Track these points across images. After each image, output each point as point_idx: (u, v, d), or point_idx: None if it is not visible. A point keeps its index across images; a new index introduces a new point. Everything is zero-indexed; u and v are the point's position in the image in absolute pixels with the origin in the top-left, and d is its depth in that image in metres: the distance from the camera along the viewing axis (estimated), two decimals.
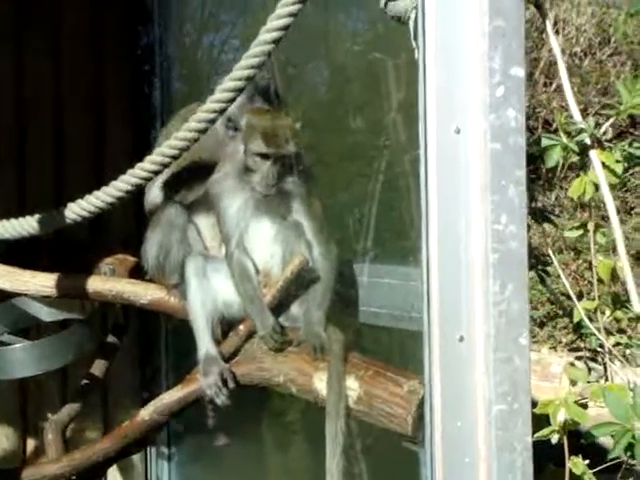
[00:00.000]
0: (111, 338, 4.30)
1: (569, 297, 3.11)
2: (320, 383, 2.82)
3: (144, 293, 3.52)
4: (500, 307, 2.43)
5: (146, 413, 3.13)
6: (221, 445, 4.17)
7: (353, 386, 2.73)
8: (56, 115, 4.90)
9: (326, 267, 3.03)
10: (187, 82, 4.99)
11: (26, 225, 3.12)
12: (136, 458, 4.77)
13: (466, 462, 2.41)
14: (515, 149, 2.44)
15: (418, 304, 2.92)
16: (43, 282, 3.61)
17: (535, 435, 2.45)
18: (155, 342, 4.93)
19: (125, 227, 4.68)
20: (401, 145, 3.27)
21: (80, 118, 4.93)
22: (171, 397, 3.11)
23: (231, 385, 3.02)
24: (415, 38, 2.50)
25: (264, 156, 2.96)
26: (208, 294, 3.12)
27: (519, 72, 2.45)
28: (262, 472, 4.20)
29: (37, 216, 3.10)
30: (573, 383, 2.64)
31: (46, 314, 4.06)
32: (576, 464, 2.49)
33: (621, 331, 3.03)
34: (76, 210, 3.05)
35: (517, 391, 2.44)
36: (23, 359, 3.82)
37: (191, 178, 3.36)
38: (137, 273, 3.79)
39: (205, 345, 3.08)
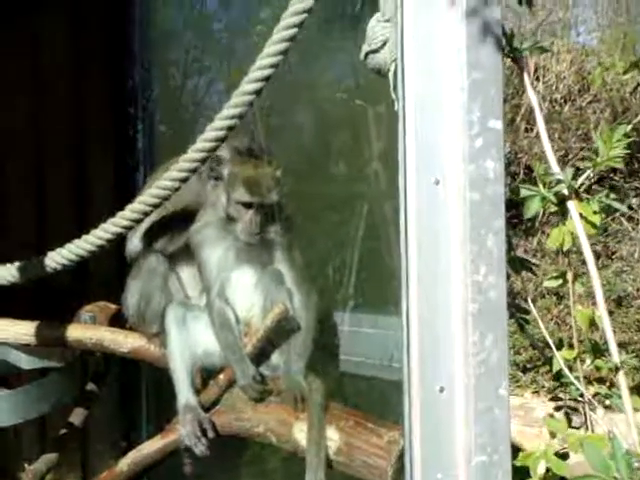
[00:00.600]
0: (91, 386, 4.19)
1: (549, 345, 3.10)
2: (300, 433, 2.81)
3: (124, 341, 3.50)
4: (479, 357, 2.43)
5: (125, 464, 3.10)
6: None
7: (334, 437, 2.72)
8: (37, 158, 4.89)
9: (307, 316, 3.03)
10: (171, 125, 4.99)
11: (6, 273, 3.13)
12: None
13: None
14: (494, 199, 2.46)
15: (398, 354, 2.95)
16: (22, 330, 3.60)
17: None
18: (135, 390, 4.90)
19: (107, 273, 4.58)
20: (382, 193, 3.30)
21: (62, 161, 4.92)
22: (150, 447, 3.08)
23: (210, 435, 2.99)
24: (395, 90, 2.51)
25: (247, 205, 2.98)
26: (188, 343, 3.11)
27: (497, 124, 2.48)
28: None
29: (17, 264, 3.10)
30: (552, 435, 2.63)
31: (25, 362, 3.92)
32: None
33: (601, 380, 3.03)
34: (57, 259, 3.06)
35: (497, 442, 2.44)
36: (1, 408, 3.77)
37: (172, 227, 3.36)
38: (118, 321, 3.76)
39: (184, 395, 3.06)
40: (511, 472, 2.45)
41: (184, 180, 2.83)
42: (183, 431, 3.00)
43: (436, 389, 2.42)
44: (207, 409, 3.08)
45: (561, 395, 3.10)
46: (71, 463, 4.64)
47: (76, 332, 3.58)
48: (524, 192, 2.78)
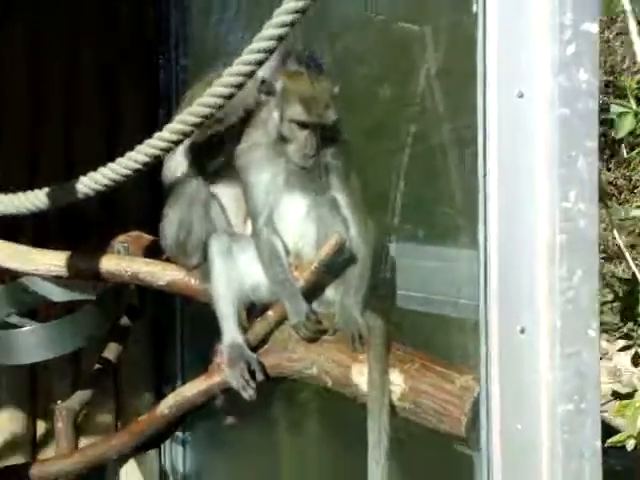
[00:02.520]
0: (125, 320, 4.05)
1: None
2: (360, 377, 2.55)
3: (162, 274, 3.25)
4: (567, 295, 2.17)
5: (165, 407, 2.86)
6: (236, 426, 3.91)
7: (397, 381, 2.46)
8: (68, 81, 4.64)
9: (364, 247, 2.75)
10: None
11: (36, 200, 2.87)
12: None
13: (527, 469, 2.15)
14: (586, 115, 2.17)
15: (467, 289, 2.66)
16: (53, 261, 3.34)
17: (608, 441, 2.19)
18: (170, 325, 4.72)
19: (138, 203, 4.48)
20: (442, 116, 2.98)
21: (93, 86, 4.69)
22: (192, 389, 2.83)
23: (260, 377, 2.74)
24: None
25: (303, 124, 2.66)
26: (234, 276, 2.83)
27: (592, 28, 2.16)
28: (278, 459, 3.93)
29: (47, 190, 2.84)
30: None
31: (57, 294, 3.80)
32: None
33: None
34: (89, 184, 2.79)
35: (585, 389, 2.19)
36: (31, 343, 3.61)
37: (214, 146, 3.06)
38: (152, 252, 3.54)
39: (230, 332, 2.79)
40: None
41: (229, 97, 2.54)
42: (229, 373, 2.75)
43: (517, 330, 2.17)
44: (254, 348, 2.81)
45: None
46: (104, 400, 4.52)
47: (110, 263, 3.32)
48: (616, 108, 2.47)
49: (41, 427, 4.56)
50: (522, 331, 2.15)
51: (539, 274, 2.15)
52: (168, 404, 2.85)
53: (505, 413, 2.17)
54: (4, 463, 4.19)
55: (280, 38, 2.44)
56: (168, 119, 2.74)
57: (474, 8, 2.21)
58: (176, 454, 4.65)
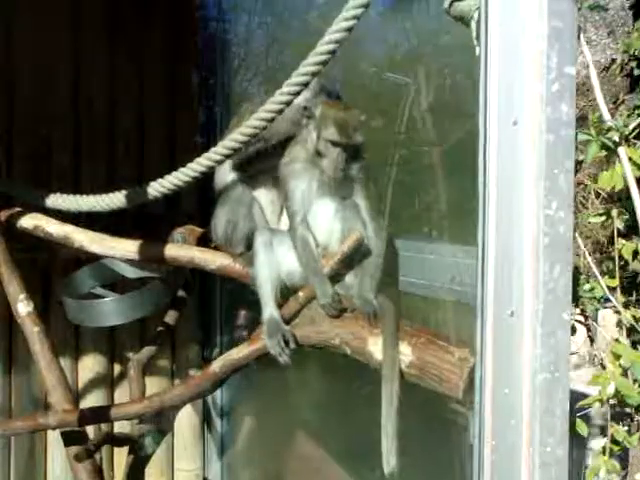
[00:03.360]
0: (181, 293, 4.03)
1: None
2: (373, 346, 2.39)
3: (212, 260, 3.09)
4: (548, 286, 2.01)
5: (217, 366, 2.69)
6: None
7: (406, 352, 2.30)
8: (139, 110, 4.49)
9: (378, 243, 2.59)
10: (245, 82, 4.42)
11: (116, 199, 2.91)
12: None
13: (512, 424, 2.01)
14: (566, 141, 2.02)
15: (459, 277, 2.50)
16: (128, 247, 3.25)
17: (580, 403, 2.05)
18: (212, 298, 4.66)
19: (191, 203, 4.38)
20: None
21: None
22: (239, 353, 2.67)
23: (292, 345, 2.58)
24: (477, 37, 2.02)
25: (336, 144, 2.50)
26: (273, 264, 2.66)
27: (572, 70, 2.01)
28: (298, 396, 3.77)
29: (124, 192, 2.85)
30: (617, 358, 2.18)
31: (130, 272, 3.74)
32: (617, 430, 2.04)
33: None
34: (157, 188, 2.74)
35: (559, 361, 2.04)
36: (113, 310, 3.60)
37: (257, 160, 2.90)
38: (203, 241, 3.41)
39: (269, 309, 2.63)
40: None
41: (270, 120, 2.41)
42: (268, 342, 2.59)
43: (507, 313, 2.01)
44: (287, 322, 2.64)
45: None
46: (164, 353, 4.47)
47: (172, 251, 3.20)
48: (582, 137, 2.30)
49: (117, 373, 4.50)
50: (512, 314, 1.99)
51: (527, 268, 2.00)
52: (219, 364, 2.68)
53: (495, 380, 2.01)
54: (88, 402, 4.08)
55: (314, 74, 2.29)
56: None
57: (477, 51, 2.03)
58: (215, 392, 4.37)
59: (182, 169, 2.69)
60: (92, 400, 4.28)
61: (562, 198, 1.99)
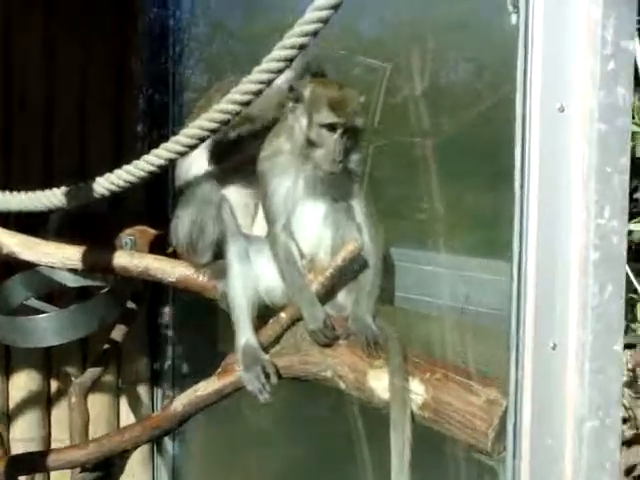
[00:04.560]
0: (131, 304, 3.54)
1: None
2: (376, 382, 2.02)
3: (171, 271, 2.73)
4: (598, 311, 1.69)
5: (179, 404, 2.30)
6: None
7: (418, 390, 1.93)
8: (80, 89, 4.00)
9: (375, 253, 2.23)
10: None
11: (53, 198, 2.39)
12: (144, 396, 4.16)
13: None
14: (622, 132, 1.70)
15: (477, 295, 2.15)
16: (69, 255, 2.86)
17: None
18: (161, 304, 4.14)
19: (139, 200, 3.85)
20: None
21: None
22: (206, 389, 2.27)
23: (274, 380, 2.19)
24: (515, 2, 1.67)
25: (332, 127, 2.12)
26: (250, 279, 2.27)
27: (630, 45, 1.66)
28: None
29: (65, 189, 2.35)
30: None
31: (71, 280, 3.34)
32: None
33: None
34: (105, 185, 2.28)
35: (609, 404, 1.74)
36: (50, 328, 3.17)
37: (228, 153, 2.50)
38: (157, 245, 3.05)
39: (245, 334, 2.24)
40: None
41: (246, 104, 2.00)
42: (244, 376, 2.20)
43: (549, 346, 1.69)
44: (265, 349, 2.25)
45: None
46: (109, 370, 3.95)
47: (122, 259, 2.82)
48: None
49: (55, 398, 3.98)
50: (554, 347, 1.68)
51: (572, 290, 1.68)
52: (182, 402, 2.28)
53: (534, 428, 1.70)
54: (18, 437, 3.63)
55: (301, 47, 1.90)
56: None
57: (512, 20, 1.68)
58: None
59: (136, 162, 2.29)
60: (23, 435, 3.82)
61: (616, 204, 1.68)
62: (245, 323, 2.21)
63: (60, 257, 2.87)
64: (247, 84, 2.05)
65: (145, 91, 4.08)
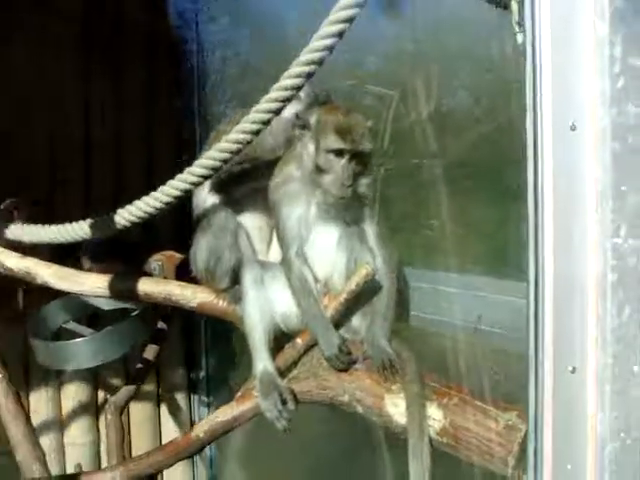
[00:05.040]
0: (161, 325, 3.51)
1: None
2: (393, 408, 1.88)
3: (192, 297, 2.64)
4: (617, 333, 1.53)
5: (200, 431, 2.18)
6: None
7: (436, 415, 1.79)
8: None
9: (389, 277, 2.09)
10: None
11: (80, 230, 2.40)
12: (182, 403, 4.23)
13: None
14: (635, 149, 1.52)
15: (492, 315, 2.01)
16: (98, 283, 2.85)
17: None
18: (196, 327, 4.21)
19: (168, 225, 3.82)
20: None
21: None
22: (225, 415, 2.14)
23: (292, 407, 2.06)
24: (520, 22, 1.55)
25: (339, 152, 2.00)
26: (265, 305, 2.16)
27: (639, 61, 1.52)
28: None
29: (90, 221, 2.35)
30: None
31: (105, 304, 3.30)
32: None
33: None
34: (126, 216, 2.24)
35: (630, 427, 1.56)
36: (86, 351, 3.12)
37: (242, 182, 2.39)
38: (183, 269, 2.96)
39: (262, 360, 2.12)
40: None
41: (256, 133, 1.89)
42: (263, 403, 2.08)
43: (568, 369, 1.54)
44: (282, 373, 2.13)
45: None
46: (147, 393, 4.05)
47: (146, 286, 2.76)
48: None
49: (102, 408, 3.93)
50: (573, 371, 1.52)
51: (590, 312, 1.52)
52: (203, 428, 2.16)
53: (555, 453, 1.54)
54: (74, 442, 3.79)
55: (308, 75, 1.81)
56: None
57: (518, 39, 1.56)
58: (203, 414, 4.17)
59: (154, 193, 2.20)
60: (75, 440, 3.82)
61: (633, 222, 1.53)
62: (261, 349, 2.10)
63: (90, 285, 2.85)
64: (256, 114, 1.96)
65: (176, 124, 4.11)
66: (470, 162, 2.27)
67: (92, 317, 3.55)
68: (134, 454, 3.87)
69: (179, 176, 2.14)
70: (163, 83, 4.06)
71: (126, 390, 3.48)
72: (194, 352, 4.25)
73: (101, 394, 3.97)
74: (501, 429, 1.63)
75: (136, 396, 3.58)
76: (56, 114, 3.74)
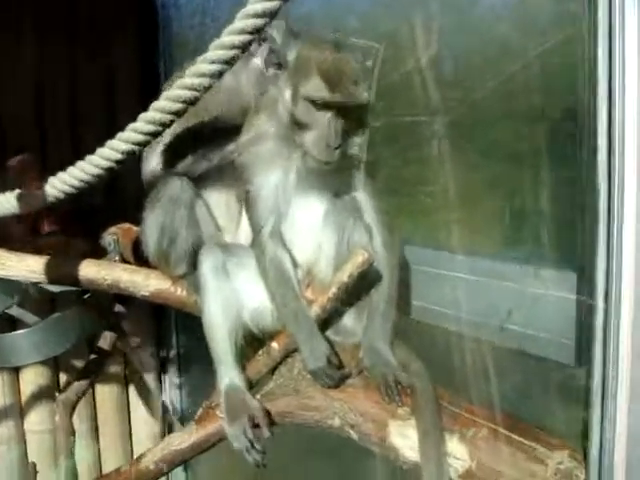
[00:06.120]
0: (118, 307, 3.00)
1: None
2: (400, 439, 1.43)
3: (144, 284, 2.19)
4: None
5: (151, 461, 1.71)
6: None
7: (459, 453, 1.34)
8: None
9: (390, 262, 1.63)
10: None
11: (6, 203, 1.98)
12: (153, 386, 3.88)
13: None
14: None
15: (523, 313, 1.58)
16: (31, 267, 2.38)
17: None
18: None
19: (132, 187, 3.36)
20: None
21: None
22: (182, 442, 1.67)
23: (266, 434, 1.59)
24: None
25: (324, 104, 1.50)
26: (231, 300, 1.67)
27: None
28: None
29: (17, 193, 1.95)
30: None
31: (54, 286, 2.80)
32: None
33: None
34: (59, 186, 1.81)
35: None
36: (27, 345, 2.74)
37: (201, 141, 1.92)
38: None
39: (228, 372, 1.65)
40: None
41: (217, 75, 1.43)
42: (229, 430, 1.62)
43: None
44: (253, 387, 1.66)
45: None
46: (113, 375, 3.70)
47: (89, 270, 2.29)
48: None
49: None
50: None
51: None
52: (154, 457, 1.71)
53: None
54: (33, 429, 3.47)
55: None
56: None
57: None
58: (175, 395, 3.93)
59: (89, 157, 1.75)
60: (33, 428, 3.51)
61: None
62: (226, 358, 1.62)
63: (22, 269, 2.37)
64: (216, 51, 1.48)
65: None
66: (491, 117, 1.83)
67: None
68: (102, 444, 3.65)
69: (120, 134, 1.67)
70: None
71: (77, 386, 3.06)
72: (164, 329, 3.86)
73: (63, 377, 3.53)
74: (550, 476, 1.21)
75: (100, 380, 3.28)
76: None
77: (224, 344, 1.63)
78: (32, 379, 3.51)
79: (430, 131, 1.76)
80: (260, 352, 1.68)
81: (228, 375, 1.63)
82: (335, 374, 1.53)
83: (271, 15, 1.45)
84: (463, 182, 1.67)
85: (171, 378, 3.96)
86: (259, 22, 1.47)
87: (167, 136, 2.02)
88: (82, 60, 3.66)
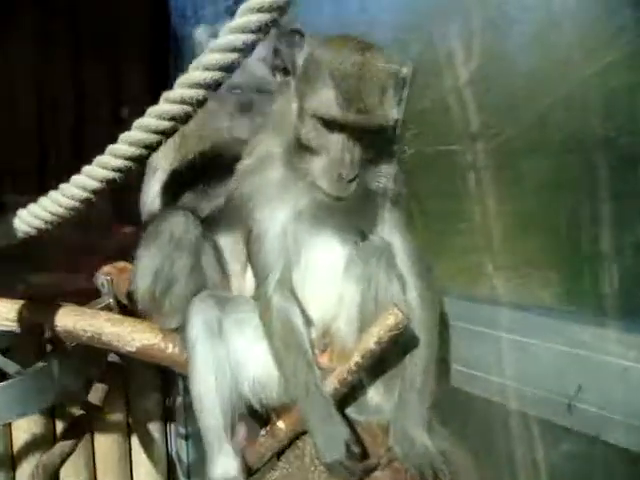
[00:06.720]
0: (113, 357, 2.66)
1: None
2: None
3: (129, 338, 1.86)
4: None
5: None
6: None
7: None
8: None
9: (429, 323, 1.30)
10: None
11: None
12: (158, 436, 3.66)
13: None
14: None
15: (599, 390, 1.25)
16: (4, 313, 2.01)
17: None
18: None
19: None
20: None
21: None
22: None
23: None
24: None
25: (336, 125, 1.18)
26: (226, 368, 1.34)
27: None
28: None
29: None
30: None
31: None
32: None
33: None
34: (28, 220, 1.60)
35: None
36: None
37: (208, 170, 1.65)
38: None
39: (222, 460, 1.32)
40: None
41: (214, 86, 1.18)
42: None
43: None
44: (253, 475, 1.32)
45: None
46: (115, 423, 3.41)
47: (67, 320, 1.96)
48: None
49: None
50: None
51: None
52: None
53: None
54: None
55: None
56: None
57: None
58: (180, 446, 3.71)
59: (63, 186, 1.50)
60: None
61: None
62: (219, 440, 1.31)
63: None
64: (214, 54, 1.23)
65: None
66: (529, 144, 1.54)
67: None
68: None
69: (99, 158, 1.42)
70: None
71: (60, 447, 2.65)
72: (169, 375, 3.54)
73: (60, 425, 3.18)
74: None
75: (100, 427, 2.97)
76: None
77: (216, 422, 1.31)
78: (26, 427, 3.17)
79: (480, 160, 1.46)
80: (263, 432, 1.36)
81: (222, 464, 1.31)
82: (356, 468, 1.20)
83: (279, 10, 1.18)
84: (513, 218, 1.36)
85: (177, 427, 3.78)
86: (265, 17, 1.20)
87: (170, 159, 1.76)
88: (93, 78, 3.63)
